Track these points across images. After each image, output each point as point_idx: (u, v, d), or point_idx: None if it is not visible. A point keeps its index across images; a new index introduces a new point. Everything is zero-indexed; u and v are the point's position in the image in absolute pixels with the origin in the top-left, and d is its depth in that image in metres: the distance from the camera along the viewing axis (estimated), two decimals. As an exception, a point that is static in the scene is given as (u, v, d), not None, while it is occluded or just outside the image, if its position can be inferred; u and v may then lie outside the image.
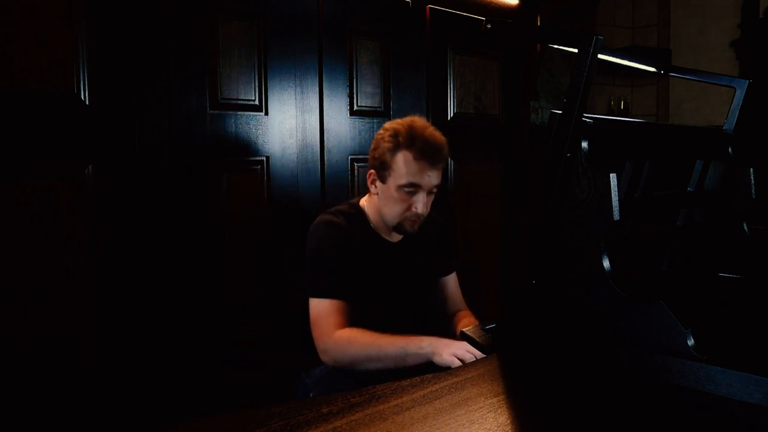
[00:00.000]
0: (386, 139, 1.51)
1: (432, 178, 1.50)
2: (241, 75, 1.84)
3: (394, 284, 1.57)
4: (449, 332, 1.63)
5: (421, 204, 1.50)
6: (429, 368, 1.30)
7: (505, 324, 1.00)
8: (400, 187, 1.49)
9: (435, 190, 1.54)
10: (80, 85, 1.53)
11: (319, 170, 2.04)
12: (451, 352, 1.25)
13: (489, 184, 2.63)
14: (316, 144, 2.02)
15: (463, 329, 1.28)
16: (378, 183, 1.54)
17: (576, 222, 0.87)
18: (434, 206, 1.72)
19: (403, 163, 1.48)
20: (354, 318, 1.46)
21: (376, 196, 1.56)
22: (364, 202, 1.62)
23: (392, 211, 1.52)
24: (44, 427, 1.49)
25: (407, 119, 1.55)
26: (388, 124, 1.56)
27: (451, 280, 1.72)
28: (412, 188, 1.49)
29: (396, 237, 1.61)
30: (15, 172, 1.44)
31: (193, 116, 1.74)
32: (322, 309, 1.45)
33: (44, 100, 1.48)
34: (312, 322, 1.46)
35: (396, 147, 1.48)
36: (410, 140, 1.48)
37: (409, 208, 1.51)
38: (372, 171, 1.55)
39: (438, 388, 0.84)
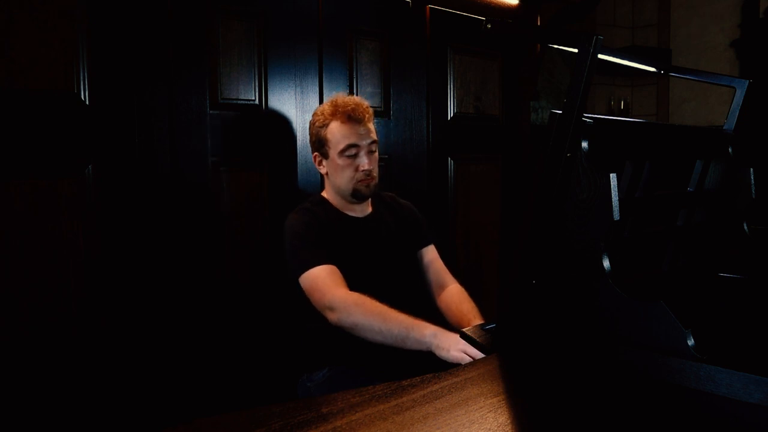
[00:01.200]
0: (316, 120, 1.66)
1: (365, 135, 1.62)
2: (241, 75, 1.84)
3: (366, 257, 1.63)
4: (433, 307, 1.71)
5: (365, 161, 1.62)
6: (429, 362, 1.30)
7: (504, 324, 1.00)
8: (341, 154, 1.61)
9: (374, 148, 1.65)
10: (80, 85, 1.53)
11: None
12: (460, 348, 1.24)
13: (489, 184, 2.63)
14: (316, 144, 2.02)
15: (463, 329, 1.28)
16: (324, 161, 1.67)
17: (576, 222, 0.87)
18: (411, 197, 1.88)
19: (335, 132, 1.61)
20: None
21: (327, 177, 1.69)
22: (323, 193, 1.74)
23: (343, 179, 1.63)
24: (44, 427, 1.49)
25: (328, 99, 1.71)
26: (315, 110, 1.72)
27: (429, 252, 1.79)
28: (352, 149, 1.61)
29: (361, 212, 1.71)
30: (15, 172, 1.44)
31: (193, 116, 1.74)
32: (317, 274, 1.50)
33: (44, 99, 1.48)
34: (310, 290, 1.51)
35: (324, 122, 1.63)
36: (333, 111, 1.63)
37: (356, 169, 1.62)
38: (315, 153, 1.69)
39: (438, 388, 0.84)
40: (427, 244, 1.78)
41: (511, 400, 0.81)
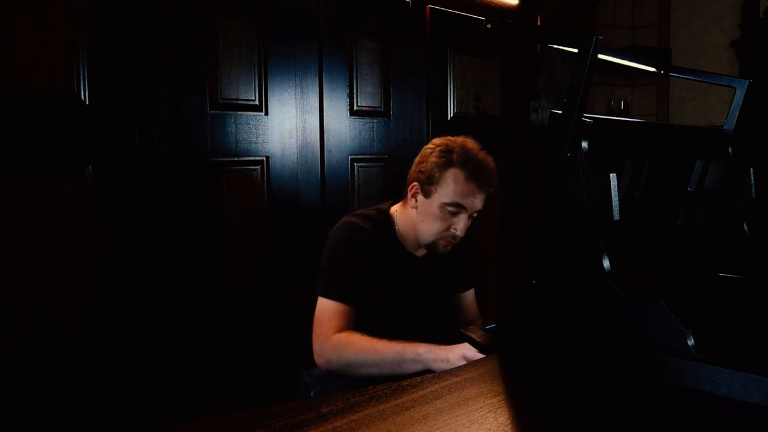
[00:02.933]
0: (437, 153, 1.46)
1: (478, 201, 1.46)
2: (241, 75, 1.84)
3: (410, 299, 1.53)
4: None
5: (461, 226, 1.46)
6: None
7: (505, 324, 1.00)
8: (443, 205, 1.45)
9: (476, 215, 1.50)
10: (80, 85, 1.53)
11: (319, 170, 2.04)
12: (461, 353, 1.22)
13: (489, 184, 2.63)
14: (316, 144, 2.02)
15: (463, 329, 1.28)
16: (420, 197, 1.49)
17: (576, 222, 0.87)
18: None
19: (452, 181, 1.44)
20: (361, 326, 1.43)
21: (413, 210, 1.51)
22: (394, 210, 1.58)
23: (430, 229, 1.48)
24: (44, 427, 1.49)
25: (459, 138, 1.51)
26: (438, 140, 1.51)
27: (469, 296, 1.69)
28: (456, 208, 1.45)
29: (420, 252, 1.57)
30: (15, 172, 1.44)
31: (193, 116, 1.74)
32: (326, 309, 1.43)
33: (44, 99, 1.48)
34: (315, 321, 1.45)
35: (448, 164, 1.44)
36: (464, 159, 1.44)
37: (448, 228, 1.47)
38: (415, 183, 1.50)
39: (438, 388, 0.84)
40: (470, 287, 1.69)
41: (511, 400, 0.81)
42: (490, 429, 0.72)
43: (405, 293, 1.52)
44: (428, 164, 1.47)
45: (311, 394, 1.55)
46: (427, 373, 0.91)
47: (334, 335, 1.40)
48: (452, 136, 1.52)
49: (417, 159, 1.52)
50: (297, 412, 0.76)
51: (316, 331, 1.43)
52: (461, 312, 1.67)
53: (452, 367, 1.23)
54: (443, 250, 1.50)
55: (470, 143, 1.50)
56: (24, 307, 1.46)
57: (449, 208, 1.45)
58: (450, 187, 1.44)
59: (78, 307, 1.54)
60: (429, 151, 1.49)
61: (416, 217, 1.50)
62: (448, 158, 1.44)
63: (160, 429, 1.76)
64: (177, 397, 1.70)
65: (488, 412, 0.76)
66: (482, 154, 1.48)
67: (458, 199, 1.44)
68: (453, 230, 1.46)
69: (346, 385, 1.39)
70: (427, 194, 1.47)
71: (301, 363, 1.69)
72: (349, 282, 1.44)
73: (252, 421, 0.74)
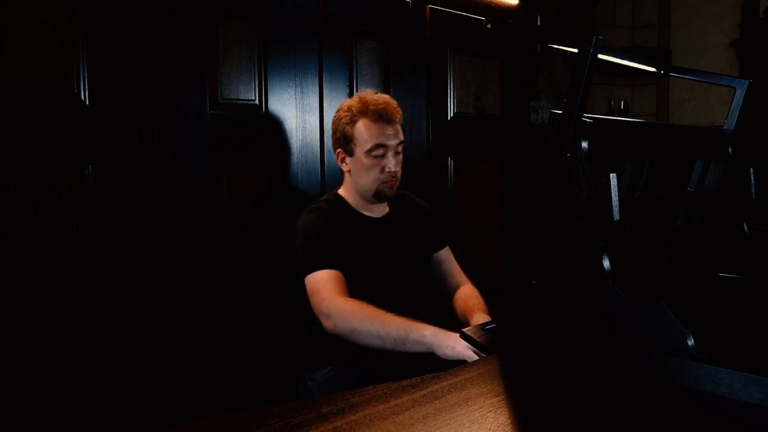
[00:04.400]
0: (342, 116, 1.62)
1: (393, 135, 1.60)
2: (241, 75, 1.84)
3: (382, 259, 1.61)
4: (449, 311, 1.68)
5: (392, 162, 1.60)
6: (430, 362, 1.30)
7: (504, 324, 1.00)
8: (368, 153, 1.58)
9: (400, 148, 1.64)
10: (80, 85, 1.53)
11: (319, 170, 2.04)
12: (465, 343, 1.23)
13: (489, 184, 2.63)
14: (316, 144, 2.02)
15: (463, 329, 1.28)
16: (347, 159, 1.64)
17: (576, 222, 0.87)
18: (421, 194, 1.83)
19: (364, 130, 1.58)
20: (350, 292, 1.47)
21: (348, 175, 1.65)
22: (340, 190, 1.71)
23: (367, 179, 1.61)
24: (44, 427, 1.49)
25: (356, 95, 1.67)
26: (340, 105, 1.67)
27: (445, 255, 1.76)
28: (379, 149, 1.58)
29: (378, 212, 1.68)
30: (15, 172, 1.44)
31: (193, 116, 1.74)
32: (320, 278, 1.48)
33: (44, 99, 1.48)
34: (311, 293, 1.49)
35: (352, 118, 1.59)
36: (363, 108, 1.59)
37: (382, 169, 1.60)
38: (339, 150, 1.65)
39: (438, 388, 0.84)
40: (443, 246, 1.76)
41: (511, 400, 0.81)
42: (490, 429, 0.72)
43: (375, 254, 1.60)
44: (339, 127, 1.63)
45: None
46: (427, 373, 0.91)
47: (340, 298, 1.43)
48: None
49: (332, 129, 1.67)
50: (297, 412, 0.76)
51: (317, 299, 1.46)
52: (441, 272, 1.74)
53: (457, 355, 1.23)
54: (389, 191, 1.63)
55: (364, 93, 1.65)
56: (24, 307, 1.45)
57: (373, 153, 1.58)
58: (365, 136, 1.58)
59: (78, 307, 1.54)
60: (336, 117, 1.65)
61: (353, 177, 1.64)
62: (351, 114, 1.60)
63: (160, 429, 1.77)
64: (177, 397, 1.70)
65: (488, 412, 0.76)
66: (377, 96, 1.63)
67: (376, 141, 1.58)
68: (387, 169, 1.60)
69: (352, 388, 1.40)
70: (350, 153, 1.62)
71: (301, 364, 1.69)
72: (329, 251, 1.52)
73: (252, 421, 0.74)
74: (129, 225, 1.62)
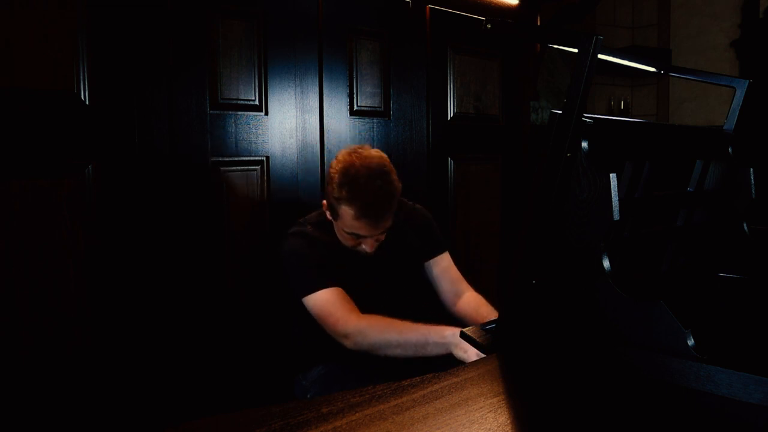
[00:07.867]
0: (334, 183, 1.47)
1: (376, 230, 1.49)
2: (241, 75, 1.84)
3: (375, 277, 1.58)
4: (450, 316, 1.65)
5: (369, 248, 1.53)
6: (424, 361, 1.30)
7: (504, 324, 1.00)
8: (346, 231, 1.51)
9: (384, 235, 1.54)
10: (80, 85, 1.53)
11: (319, 170, 2.04)
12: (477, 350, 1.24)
13: (489, 184, 2.63)
14: (316, 144, 2.02)
15: (463, 330, 1.28)
16: (330, 215, 1.55)
17: (576, 222, 0.87)
18: (410, 197, 1.77)
19: (347, 216, 1.47)
20: None
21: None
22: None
23: (345, 241, 1.56)
24: (45, 427, 1.49)
25: (363, 155, 1.49)
26: (342, 155, 1.51)
27: (443, 260, 1.71)
28: (357, 237, 1.51)
29: None
30: (15, 172, 1.44)
31: (193, 116, 1.74)
32: (327, 298, 1.45)
33: (44, 99, 1.48)
34: (321, 316, 1.46)
35: (340, 199, 1.46)
36: (353, 195, 1.43)
37: (359, 245, 1.54)
38: (324, 202, 1.58)
39: (438, 388, 0.84)
40: (440, 252, 1.71)
41: (511, 400, 0.81)
42: (490, 429, 0.72)
43: (371, 274, 1.57)
44: (329, 189, 1.50)
45: (308, 396, 1.56)
46: (427, 373, 0.91)
47: (354, 316, 1.42)
48: (361, 147, 1.53)
49: (327, 173, 1.54)
50: (297, 412, 0.76)
51: (331, 320, 1.44)
52: (440, 280, 1.69)
53: (469, 360, 1.24)
54: (366, 254, 1.56)
55: (370, 166, 1.46)
56: (24, 307, 1.45)
57: (353, 234, 1.50)
58: (346, 221, 1.48)
59: (78, 307, 1.54)
60: (333, 172, 1.49)
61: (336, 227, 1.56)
62: (340, 192, 1.45)
63: (160, 429, 1.77)
64: (177, 397, 1.70)
65: (488, 412, 0.76)
66: (376, 185, 1.44)
67: (355, 231, 1.49)
68: (363, 249, 1.53)
69: (343, 388, 1.39)
70: (333, 217, 1.54)
71: (296, 363, 1.69)
72: (325, 270, 1.50)
73: (252, 421, 0.74)
74: (129, 225, 1.62)
